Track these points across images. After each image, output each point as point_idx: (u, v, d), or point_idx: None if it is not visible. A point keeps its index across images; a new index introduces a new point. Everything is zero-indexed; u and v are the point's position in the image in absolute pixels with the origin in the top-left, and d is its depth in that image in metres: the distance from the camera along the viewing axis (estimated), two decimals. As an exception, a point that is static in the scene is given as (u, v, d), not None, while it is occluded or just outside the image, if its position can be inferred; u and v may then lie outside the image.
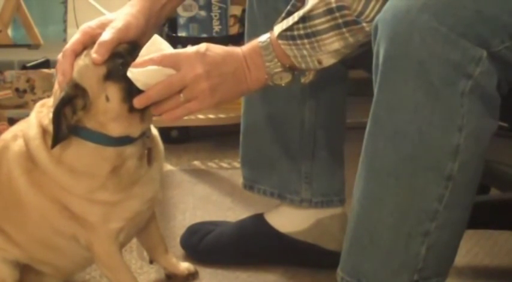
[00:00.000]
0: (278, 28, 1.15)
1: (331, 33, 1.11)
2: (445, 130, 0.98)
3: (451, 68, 0.95)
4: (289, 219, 1.55)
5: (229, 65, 1.16)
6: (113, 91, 1.19)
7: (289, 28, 1.13)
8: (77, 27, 2.98)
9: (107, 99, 1.19)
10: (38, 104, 1.30)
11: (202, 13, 2.34)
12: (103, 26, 1.22)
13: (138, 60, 1.16)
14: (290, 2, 1.27)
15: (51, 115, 1.19)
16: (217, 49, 1.17)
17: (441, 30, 0.95)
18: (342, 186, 1.55)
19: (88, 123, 1.21)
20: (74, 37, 1.22)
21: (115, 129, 1.22)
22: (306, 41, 1.12)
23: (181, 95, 1.15)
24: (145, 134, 1.27)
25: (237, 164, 1.65)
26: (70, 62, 1.20)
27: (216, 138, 2.38)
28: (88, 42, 1.21)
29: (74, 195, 1.25)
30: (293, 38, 1.13)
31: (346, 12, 1.09)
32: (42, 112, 1.26)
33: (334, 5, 1.09)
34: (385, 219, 1.03)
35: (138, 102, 1.17)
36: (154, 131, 1.34)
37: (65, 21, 2.88)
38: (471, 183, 1.03)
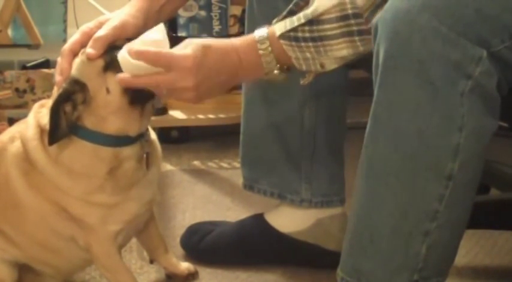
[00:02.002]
0: (281, 27, 1.13)
1: (340, 40, 1.10)
2: (445, 130, 0.97)
3: (451, 67, 0.95)
4: (289, 219, 1.55)
5: (223, 75, 1.15)
6: (114, 82, 1.18)
7: (294, 29, 1.11)
8: (77, 27, 2.99)
9: (108, 91, 1.19)
10: (36, 104, 1.30)
11: (202, 13, 2.35)
12: (101, 26, 1.22)
13: (137, 43, 1.15)
14: (290, 1, 1.27)
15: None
16: (214, 54, 1.14)
17: (441, 29, 0.95)
18: (342, 186, 1.55)
19: (87, 121, 1.21)
20: (73, 37, 1.23)
21: (114, 124, 1.21)
22: (311, 44, 1.11)
23: (165, 91, 1.15)
24: (144, 137, 1.27)
25: (237, 164, 1.65)
26: (68, 61, 1.20)
27: (216, 138, 2.38)
28: (86, 42, 1.21)
29: (72, 196, 1.24)
30: (297, 39, 1.11)
31: (362, 20, 1.08)
32: (40, 113, 1.26)
33: (350, 12, 1.08)
34: (385, 219, 1.03)
35: (121, 80, 1.15)
36: (153, 135, 1.34)
37: (65, 21, 2.88)
38: (471, 183, 1.03)
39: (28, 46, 2.52)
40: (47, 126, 1.21)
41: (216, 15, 2.34)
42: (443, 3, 0.96)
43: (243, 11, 2.20)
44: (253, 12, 1.48)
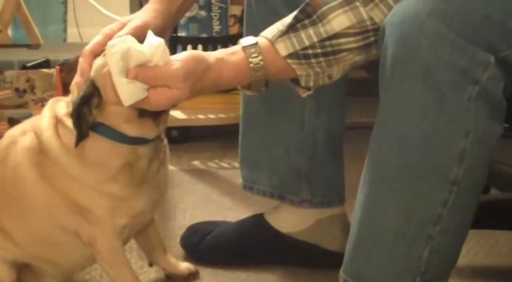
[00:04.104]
0: (288, 47, 1.08)
1: (355, 52, 1.08)
2: (451, 135, 0.97)
3: (459, 73, 0.95)
4: (289, 220, 1.55)
5: (211, 90, 1.13)
6: None
7: (304, 48, 1.08)
8: (77, 27, 3.00)
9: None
10: (52, 99, 1.30)
11: (202, 13, 2.35)
12: (123, 27, 1.22)
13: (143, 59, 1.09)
14: (289, 2, 1.27)
15: (69, 108, 1.19)
16: (208, 80, 1.08)
17: (449, 35, 0.94)
18: (342, 186, 1.55)
19: (104, 121, 1.21)
20: (95, 39, 1.22)
21: (130, 131, 1.21)
22: (322, 59, 1.09)
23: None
24: (159, 138, 1.28)
25: (237, 164, 1.66)
26: (88, 62, 1.19)
27: (215, 138, 2.38)
28: None
29: (84, 185, 1.24)
30: (307, 57, 1.08)
31: None
32: (57, 106, 1.27)
33: (370, 28, 1.06)
34: (388, 223, 1.03)
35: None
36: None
37: (65, 21, 2.88)
38: (475, 188, 1.03)
39: (28, 46, 2.52)
40: (64, 117, 1.22)
41: (216, 15, 2.34)
42: (452, 9, 0.95)
43: (243, 11, 2.20)
44: (252, 12, 1.49)
